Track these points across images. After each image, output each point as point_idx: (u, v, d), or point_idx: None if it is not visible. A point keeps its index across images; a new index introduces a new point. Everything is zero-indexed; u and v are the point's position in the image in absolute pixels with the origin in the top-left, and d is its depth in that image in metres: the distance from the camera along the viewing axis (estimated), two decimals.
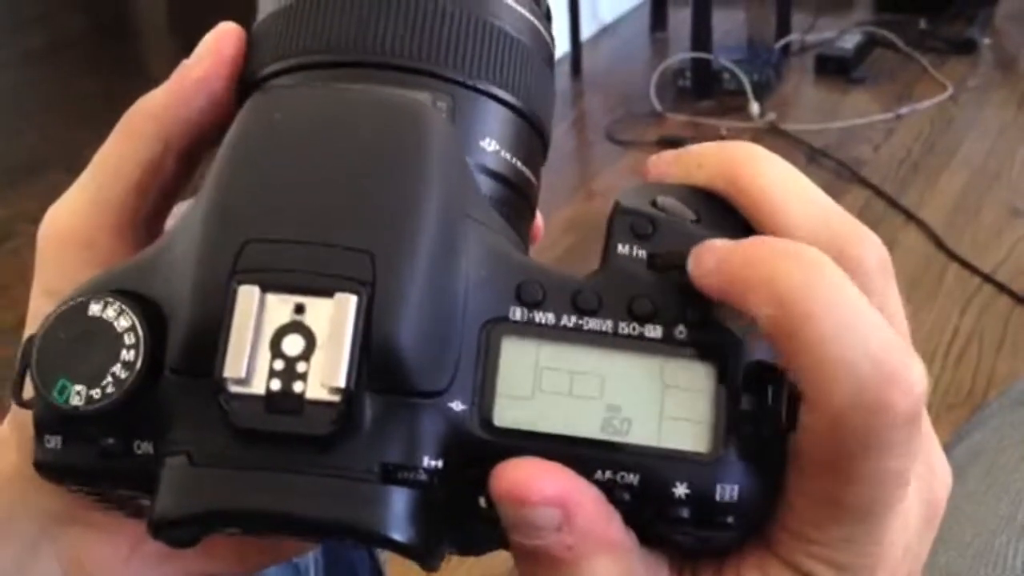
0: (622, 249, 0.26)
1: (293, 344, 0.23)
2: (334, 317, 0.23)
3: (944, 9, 2.54)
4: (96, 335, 0.25)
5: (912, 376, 0.23)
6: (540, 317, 0.25)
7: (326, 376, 0.23)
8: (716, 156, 0.27)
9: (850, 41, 2.41)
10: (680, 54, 2.33)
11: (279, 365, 0.23)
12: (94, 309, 0.25)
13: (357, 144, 0.25)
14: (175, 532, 0.24)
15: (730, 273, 0.24)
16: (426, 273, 0.24)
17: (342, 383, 0.23)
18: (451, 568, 1.25)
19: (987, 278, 1.67)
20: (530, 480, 0.24)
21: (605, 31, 2.67)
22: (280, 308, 0.23)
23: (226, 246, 0.24)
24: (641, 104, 2.23)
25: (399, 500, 0.23)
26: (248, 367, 0.23)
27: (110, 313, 0.25)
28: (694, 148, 0.28)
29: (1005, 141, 2.10)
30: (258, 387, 0.23)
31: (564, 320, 0.25)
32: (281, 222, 0.24)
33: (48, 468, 0.26)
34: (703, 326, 0.25)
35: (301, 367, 0.23)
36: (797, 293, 0.23)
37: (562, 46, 2.40)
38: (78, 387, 0.24)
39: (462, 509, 0.25)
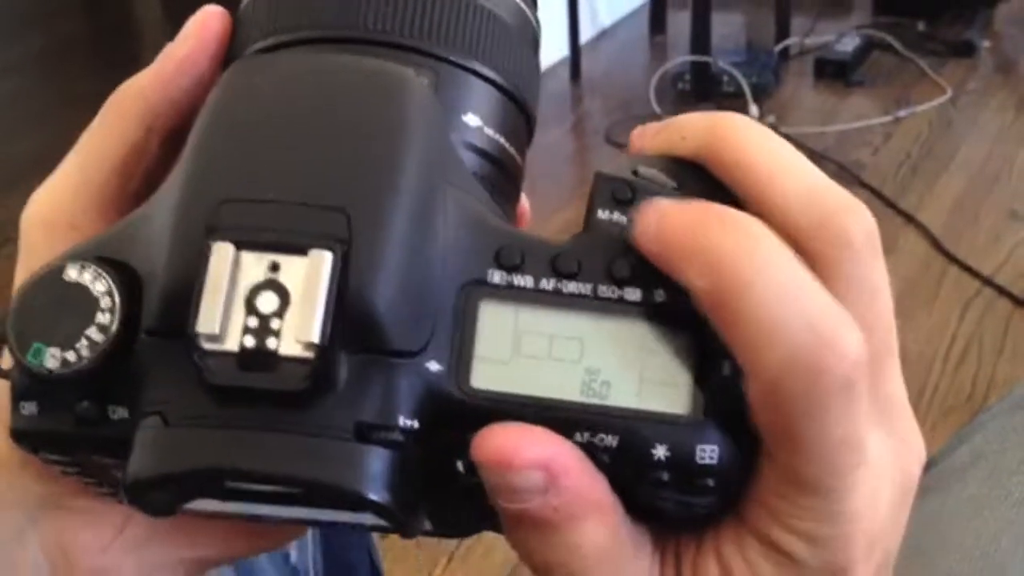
0: (602, 215, 0.26)
1: (267, 301, 0.23)
2: (309, 274, 0.23)
3: (943, 12, 2.54)
4: (72, 299, 0.25)
5: (847, 341, 0.23)
6: (519, 280, 0.25)
7: (300, 332, 0.23)
8: (700, 126, 0.27)
9: (849, 44, 2.41)
10: (679, 57, 2.33)
11: (253, 322, 0.23)
12: (70, 274, 0.25)
13: (336, 108, 0.25)
14: (149, 495, 0.24)
15: (667, 239, 0.24)
16: (402, 232, 0.24)
17: (316, 339, 0.23)
18: (450, 570, 1.24)
19: (987, 281, 1.67)
20: (513, 444, 0.24)
21: (604, 34, 2.67)
22: (255, 266, 0.23)
23: (201, 206, 0.24)
24: (641, 107, 2.23)
25: (375, 460, 0.23)
26: (222, 324, 0.23)
27: (86, 277, 0.25)
28: (678, 119, 0.28)
29: (1004, 144, 2.10)
30: (232, 344, 0.23)
31: (543, 283, 0.25)
32: (257, 182, 0.24)
33: (24, 436, 0.26)
34: (681, 290, 0.24)
35: (275, 324, 0.23)
36: (731, 263, 0.23)
37: (561, 50, 2.41)
38: (53, 350, 0.24)
39: (440, 474, 0.25)
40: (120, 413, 0.25)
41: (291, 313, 0.23)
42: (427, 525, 0.28)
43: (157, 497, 0.24)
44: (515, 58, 0.31)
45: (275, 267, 0.23)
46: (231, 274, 0.23)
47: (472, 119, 0.29)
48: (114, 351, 0.24)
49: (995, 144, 2.10)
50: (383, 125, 0.25)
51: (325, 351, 0.23)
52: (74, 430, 0.25)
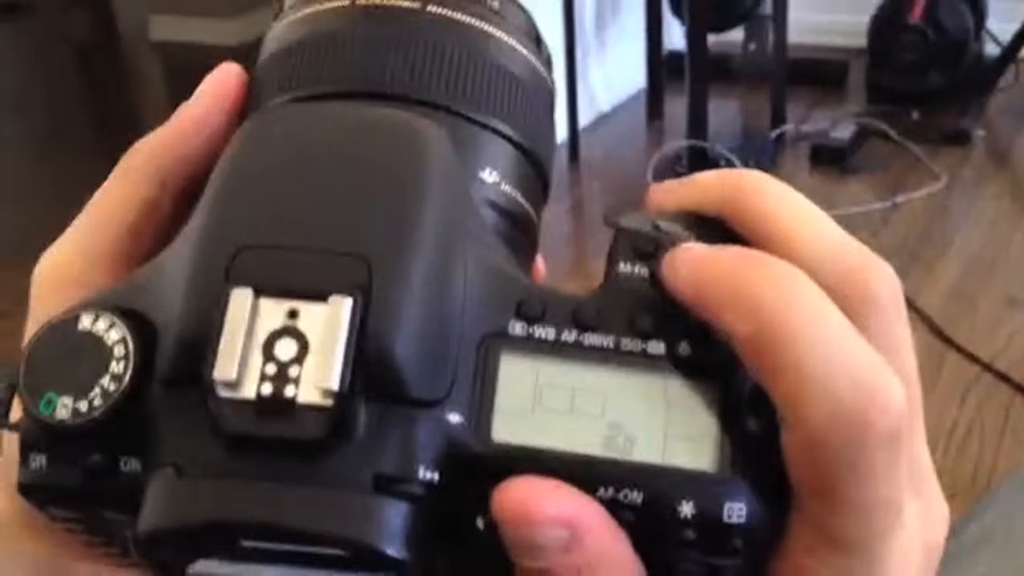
0: (624, 268, 0.25)
1: (286, 348, 0.22)
2: (328, 321, 0.22)
3: (937, 101, 2.57)
4: (85, 348, 0.24)
5: (891, 394, 0.22)
6: (540, 332, 0.24)
7: (319, 379, 0.22)
8: (720, 181, 0.27)
9: (844, 131, 2.43)
10: (676, 141, 2.35)
11: (271, 369, 0.22)
12: (84, 323, 0.24)
13: (356, 156, 0.25)
14: (160, 549, 0.23)
15: (705, 284, 0.24)
16: (423, 280, 0.23)
17: (335, 386, 0.22)
18: None
19: (986, 367, 1.67)
20: (535, 499, 0.23)
21: (602, 119, 2.70)
22: (273, 312, 0.23)
23: (220, 254, 0.23)
24: (639, 190, 2.22)
25: (393, 513, 0.22)
26: (239, 370, 0.22)
27: (100, 326, 0.24)
28: (696, 176, 0.27)
29: (1000, 231, 2.11)
30: (249, 391, 0.22)
31: (565, 335, 0.24)
32: (276, 229, 0.24)
33: (32, 490, 0.25)
34: (707, 343, 0.24)
35: (294, 371, 0.22)
36: (775, 310, 0.23)
37: (560, 133, 2.43)
38: (65, 400, 0.24)
39: (458, 531, 0.24)
40: (132, 465, 0.24)
41: (310, 360, 0.22)
42: None
43: (167, 552, 0.23)
44: (532, 117, 0.31)
45: (294, 314, 0.23)
46: (249, 320, 0.23)
47: (489, 175, 0.29)
48: (128, 401, 0.23)
49: (991, 231, 2.11)
50: (403, 174, 0.25)
51: (344, 398, 0.22)
52: (84, 483, 0.24)
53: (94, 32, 3.59)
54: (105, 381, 0.24)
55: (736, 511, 0.23)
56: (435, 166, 0.25)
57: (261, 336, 0.23)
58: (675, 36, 2.69)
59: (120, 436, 0.24)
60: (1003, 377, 1.64)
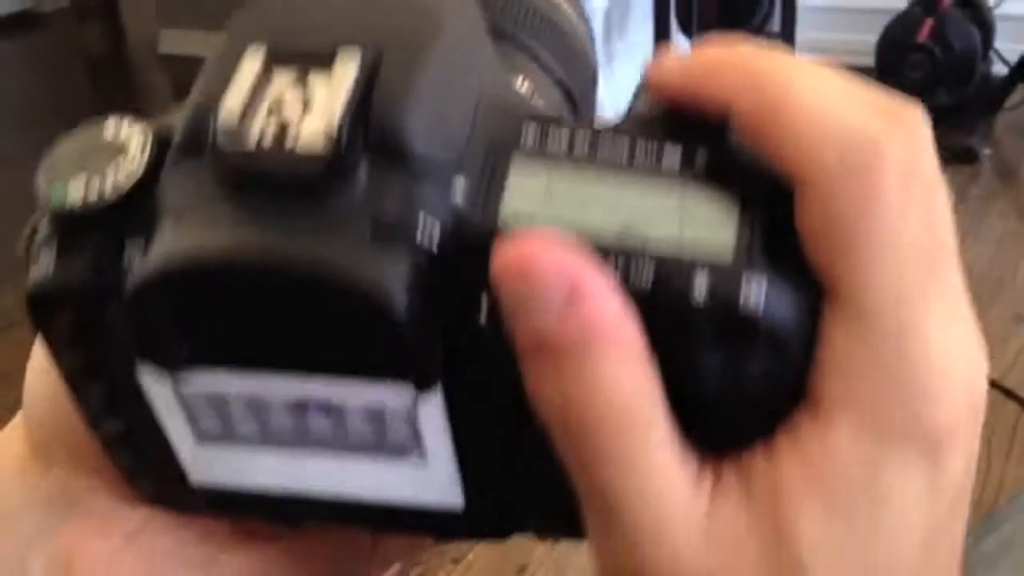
0: (643, 101, 0.25)
1: (292, 103, 0.23)
2: (336, 76, 0.23)
3: (944, 120, 2.57)
4: (104, 145, 0.24)
5: (903, 117, 0.22)
6: (553, 143, 0.24)
7: (319, 127, 0.22)
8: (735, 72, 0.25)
9: None
10: None
11: (274, 120, 0.22)
12: (108, 126, 0.25)
13: None
14: (156, 300, 0.22)
15: (698, 67, 0.23)
16: (439, 64, 0.23)
17: (333, 132, 0.22)
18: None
19: (994, 384, 1.67)
20: (537, 248, 0.21)
21: None
22: (284, 74, 0.23)
23: (239, 39, 0.24)
24: None
25: (391, 259, 0.22)
26: (243, 119, 0.22)
27: (122, 126, 0.25)
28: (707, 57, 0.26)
29: (1008, 249, 2.11)
30: (251, 138, 0.22)
31: (579, 142, 0.24)
32: (295, 24, 0.24)
33: (39, 295, 0.24)
34: (725, 150, 0.23)
35: (296, 122, 0.22)
36: (768, 75, 0.22)
37: None
38: (76, 183, 0.24)
39: (461, 325, 0.23)
40: (138, 243, 0.24)
41: (314, 112, 0.22)
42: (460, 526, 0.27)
43: (164, 301, 0.23)
44: (580, 76, 0.31)
45: (304, 73, 0.23)
46: (259, 75, 0.23)
47: (522, 84, 0.28)
48: (139, 186, 0.24)
49: (999, 249, 2.11)
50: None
51: (342, 144, 0.22)
52: (92, 276, 0.24)
53: (104, 45, 3.61)
54: (118, 169, 0.24)
55: (754, 295, 0.22)
56: (460, 9, 0.25)
57: (270, 93, 0.23)
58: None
59: (130, 221, 0.24)
60: (1010, 394, 1.64)
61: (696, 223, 0.23)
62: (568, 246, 0.22)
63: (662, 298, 0.22)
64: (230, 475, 0.27)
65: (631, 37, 2.79)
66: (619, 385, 0.22)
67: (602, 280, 0.22)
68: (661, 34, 2.64)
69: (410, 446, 0.25)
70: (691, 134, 0.24)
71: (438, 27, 0.24)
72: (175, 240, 0.22)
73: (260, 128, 0.22)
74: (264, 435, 0.26)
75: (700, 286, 0.22)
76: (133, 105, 3.28)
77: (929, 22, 2.55)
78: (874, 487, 0.22)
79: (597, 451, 0.22)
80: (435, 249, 0.22)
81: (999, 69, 2.62)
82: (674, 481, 0.23)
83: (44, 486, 0.30)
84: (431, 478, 0.26)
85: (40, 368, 0.29)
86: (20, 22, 3.84)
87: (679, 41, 2.65)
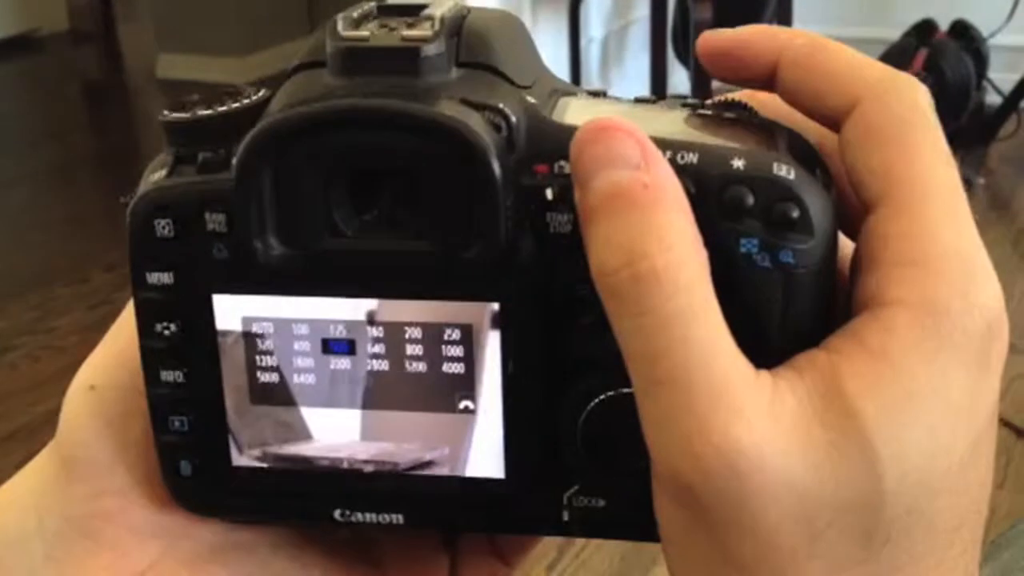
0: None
1: (399, 24, 0.27)
2: (432, 9, 0.28)
3: None
4: (221, 90, 0.29)
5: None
6: (604, 98, 0.30)
7: (424, 26, 0.27)
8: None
9: None
10: None
11: (385, 27, 0.27)
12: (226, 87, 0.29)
13: None
14: (273, 145, 0.26)
15: (750, 29, 0.28)
16: (515, 28, 0.30)
17: (436, 24, 0.27)
18: None
19: None
20: (615, 123, 0.25)
21: None
22: (390, 15, 0.28)
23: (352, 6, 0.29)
24: None
25: (477, 119, 0.26)
26: (358, 22, 0.28)
27: (242, 88, 0.29)
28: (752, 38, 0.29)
29: (1001, 278, 2.08)
30: (366, 29, 0.27)
31: (625, 103, 0.30)
32: None
33: (144, 201, 0.27)
34: (751, 112, 0.29)
35: (402, 27, 0.27)
36: (813, 35, 0.27)
37: None
38: (198, 108, 0.28)
39: (529, 215, 0.26)
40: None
41: (415, 26, 0.27)
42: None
43: (264, 159, 0.26)
44: None
45: (405, 18, 0.28)
46: (371, 10, 0.28)
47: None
48: (248, 110, 0.28)
49: None
50: None
51: (441, 35, 0.27)
52: (196, 183, 0.27)
53: (102, 69, 3.62)
54: (235, 100, 0.28)
55: (785, 170, 0.25)
56: None
57: (379, 20, 0.28)
58: (679, 80, 2.70)
59: (240, 133, 0.27)
60: (1004, 423, 1.64)
61: (729, 141, 0.27)
62: (636, 126, 0.25)
63: (706, 168, 0.26)
64: (278, 437, 0.29)
65: (627, 65, 2.80)
66: (685, 238, 0.24)
67: (662, 157, 0.25)
68: (658, 64, 2.65)
69: (461, 386, 0.28)
70: (716, 106, 0.29)
71: (512, 18, 0.30)
72: (293, 94, 0.27)
73: (372, 28, 0.27)
74: (317, 388, 0.28)
75: (738, 164, 0.26)
76: (130, 129, 3.29)
77: (923, 52, 2.56)
78: (937, 378, 0.24)
79: (662, 308, 0.23)
80: (512, 130, 0.26)
81: (993, 99, 2.63)
82: (736, 361, 0.24)
83: (60, 504, 0.30)
84: (476, 437, 0.28)
85: (84, 385, 0.30)
86: (17, 45, 3.85)
87: (676, 71, 2.66)
